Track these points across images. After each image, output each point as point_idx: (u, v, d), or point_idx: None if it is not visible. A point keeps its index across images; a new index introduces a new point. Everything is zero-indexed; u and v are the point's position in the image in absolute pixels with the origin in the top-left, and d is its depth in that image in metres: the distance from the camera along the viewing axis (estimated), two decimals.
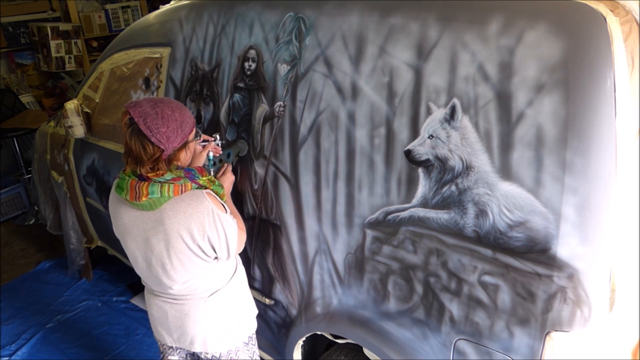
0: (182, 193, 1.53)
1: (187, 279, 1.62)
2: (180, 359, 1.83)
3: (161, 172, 1.51)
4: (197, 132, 1.65)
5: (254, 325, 1.87)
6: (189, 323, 1.70)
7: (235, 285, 1.76)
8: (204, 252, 1.57)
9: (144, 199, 1.50)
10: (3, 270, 3.74)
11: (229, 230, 1.58)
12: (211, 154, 1.87)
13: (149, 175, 1.50)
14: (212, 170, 1.89)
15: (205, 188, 1.60)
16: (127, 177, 1.54)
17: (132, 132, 1.48)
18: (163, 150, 1.49)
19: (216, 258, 1.63)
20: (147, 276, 1.67)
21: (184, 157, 1.60)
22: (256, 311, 1.89)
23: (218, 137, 1.89)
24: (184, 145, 1.56)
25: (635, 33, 1.21)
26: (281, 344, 2.08)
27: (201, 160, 1.76)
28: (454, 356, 1.49)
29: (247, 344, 1.84)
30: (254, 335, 1.89)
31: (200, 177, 1.59)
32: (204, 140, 1.79)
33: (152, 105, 1.49)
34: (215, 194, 1.62)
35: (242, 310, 1.81)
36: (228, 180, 1.82)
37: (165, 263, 1.57)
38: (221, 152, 1.92)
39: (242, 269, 1.83)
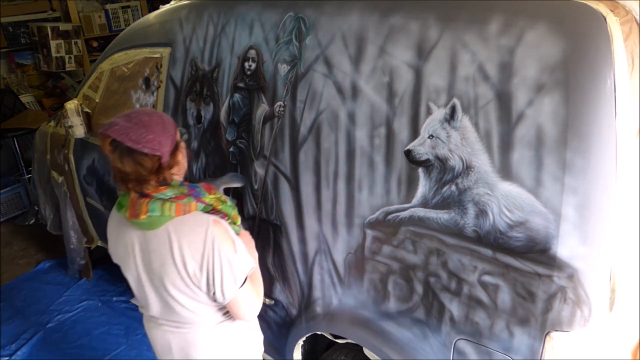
0: (185, 213, 1.41)
1: (189, 306, 1.47)
2: None
3: (168, 181, 1.40)
4: (181, 132, 1.53)
5: (260, 352, 1.74)
6: (194, 353, 1.54)
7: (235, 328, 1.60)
8: (197, 285, 1.42)
9: (142, 216, 1.38)
10: (3, 270, 3.74)
11: (226, 272, 1.40)
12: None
13: (149, 192, 1.39)
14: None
15: (213, 207, 1.49)
16: (129, 195, 1.42)
17: (121, 154, 1.35)
18: (160, 157, 1.37)
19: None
20: (151, 301, 1.51)
21: (182, 159, 1.47)
22: (262, 336, 1.77)
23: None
24: (177, 146, 1.44)
25: (635, 33, 1.21)
26: (281, 344, 2.08)
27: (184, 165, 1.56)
28: (454, 356, 1.49)
29: None
30: None
31: (206, 195, 1.47)
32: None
33: (127, 118, 1.37)
34: (226, 215, 1.51)
35: (251, 338, 1.69)
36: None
37: (167, 286, 1.44)
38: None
39: None
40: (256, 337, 1.73)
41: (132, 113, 1.40)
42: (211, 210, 1.49)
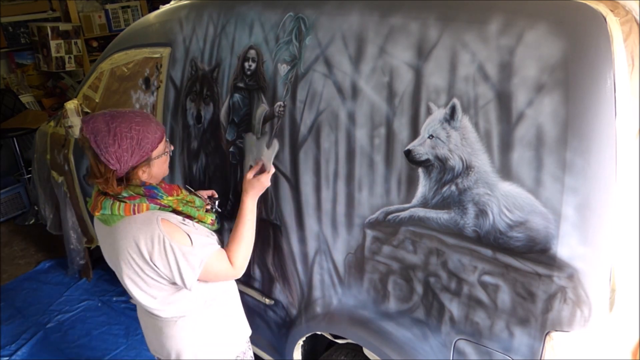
0: (135, 213, 1.45)
1: (146, 300, 1.54)
2: None
3: (112, 191, 1.44)
4: (165, 148, 1.53)
5: (240, 345, 1.79)
6: (163, 339, 1.66)
7: (214, 311, 1.67)
8: (152, 278, 1.49)
9: (97, 213, 1.47)
10: (3, 270, 3.74)
11: (182, 263, 1.45)
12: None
13: (107, 190, 1.45)
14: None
15: (172, 209, 1.53)
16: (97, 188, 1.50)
17: (86, 147, 1.42)
18: (114, 171, 1.42)
19: (174, 283, 1.52)
20: (124, 287, 1.60)
21: (146, 176, 1.49)
22: (248, 332, 1.83)
23: (216, 202, 1.79)
24: (144, 162, 1.46)
25: (635, 33, 1.21)
26: (281, 344, 2.08)
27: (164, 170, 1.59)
28: (454, 356, 1.49)
29: (239, 355, 1.78)
30: (249, 351, 1.84)
31: (164, 197, 1.50)
32: (211, 195, 1.71)
33: (108, 121, 1.40)
34: (188, 216, 1.56)
35: (224, 334, 1.73)
36: (255, 187, 1.69)
37: (125, 280, 1.51)
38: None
39: (225, 294, 1.72)
40: (233, 333, 1.77)
41: (117, 117, 1.43)
42: (172, 211, 1.54)
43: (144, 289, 1.52)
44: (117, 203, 1.44)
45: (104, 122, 1.40)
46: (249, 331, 1.85)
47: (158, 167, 1.53)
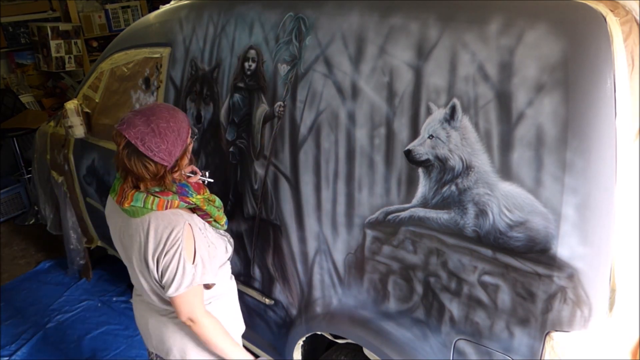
0: (167, 208, 1.48)
1: (150, 293, 1.58)
2: None
3: (168, 187, 1.47)
4: (192, 132, 1.60)
5: (238, 341, 1.78)
6: (167, 333, 1.66)
7: (218, 305, 1.68)
8: (152, 273, 1.51)
9: (126, 204, 1.47)
10: (3, 270, 3.74)
11: (177, 275, 1.46)
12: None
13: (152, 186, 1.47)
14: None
15: (198, 207, 1.56)
16: (121, 179, 1.51)
17: (130, 154, 1.43)
18: (167, 166, 1.46)
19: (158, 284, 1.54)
20: (133, 279, 1.66)
21: (184, 163, 1.55)
22: (242, 328, 1.84)
23: (207, 174, 1.77)
24: (185, 150, 1.52)
25: (635, 33, 1.21)
26: (281, 344, 2.08)
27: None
28: (454, 356, 1.49)
29: None
30: None
31: (194, 195, 1.54)
32: (192, 171, 1.69)
33: (146, 121, 1.42)
34: (209, 215, 1.59)
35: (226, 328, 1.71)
36: None
37: (135, 270, 1.55)
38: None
39: (222, 297, 1.72)
40: (229, 329, 1.73)
41: (151, 116, 1.44)
42: (195, 208, 1.57)
43: (149, 282, 1.55)
44: (152, 198, 1.46)
45: (144, 124, 1.42)
46: (243, 327, 1.87)
47: (189, 154, 1.57)
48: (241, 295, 1.88)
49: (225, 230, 1.76)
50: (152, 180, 1.46)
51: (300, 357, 2.03)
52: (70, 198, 3.22)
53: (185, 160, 1.55)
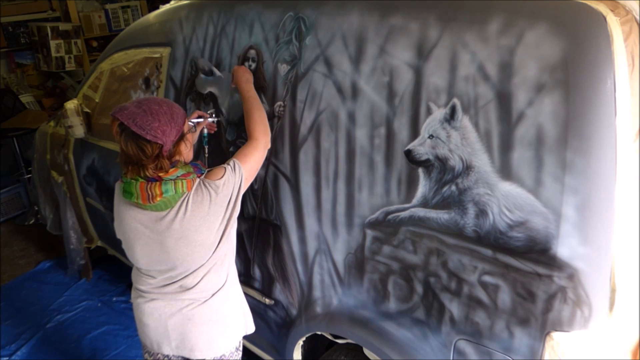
0: (192, 187, 1.53)
1: (198, 271, 1.61)
2: None
3: (165, 169, 1.48)
4: (191, 125, 1.63)
5: (250, 327, 1.84)
6: (192, 328, 1.64)
7: (233, 284, 1.74)
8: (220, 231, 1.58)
9: (158, 199, 1.47)
10: (3, 270, 3.74)
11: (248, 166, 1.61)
12: (205, 131, 1.89)
13: (160, 174, 1.47)
14: (206, 147, 1.93)
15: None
16: (133, 181, 1.49)
17: (126, 137, 1.45)
18: (162, 146, 1.46)
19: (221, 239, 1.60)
20: (155, 277, 1.63)
21: (185, 150, 1.57)
22: (252, 328, 1.85)
23: (214, 114, 1.88)
24: (181, 137, 1.53)
25: (635, 33, 1.21)
26: (281, 344, 2.08)
27: (194, 138, 1.73)
28: (454, 356, 1.49)
29: (238, 348, 1.80)
30: (241, 343, 1.85)
31: (204, 170, 1.60)
32: (199, 116, 1.79)
33: (137, 104, 1.47)
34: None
35: (241, 309, 1.79)
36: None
37: (184, 255, 1.55)
38: (215, 129, 1.93)
39: (235, 269, 1.78)
40: (245, 310, 1.83)
41: (143, 100, 1.50)
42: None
43: (201, 254, 1.58)
44: (180, 181, 1.49)
45: (135, 107, 1.46)
46: (253, 327, 1.87)
47: (190, 145, 1.60)
48: None
49: None
50: (150, 162, 1.46)
51: (300, 357, 2.03)
52: (70, 198, 3.22)
53: (183, 148, 1.56)
